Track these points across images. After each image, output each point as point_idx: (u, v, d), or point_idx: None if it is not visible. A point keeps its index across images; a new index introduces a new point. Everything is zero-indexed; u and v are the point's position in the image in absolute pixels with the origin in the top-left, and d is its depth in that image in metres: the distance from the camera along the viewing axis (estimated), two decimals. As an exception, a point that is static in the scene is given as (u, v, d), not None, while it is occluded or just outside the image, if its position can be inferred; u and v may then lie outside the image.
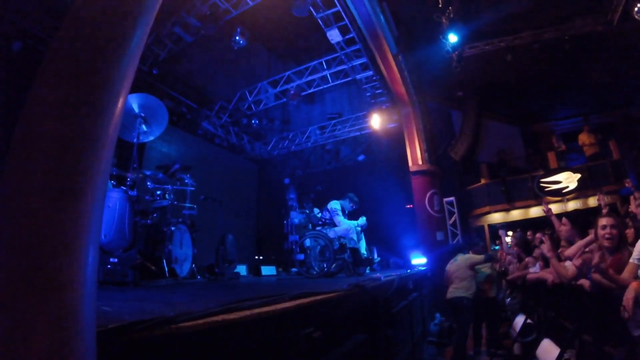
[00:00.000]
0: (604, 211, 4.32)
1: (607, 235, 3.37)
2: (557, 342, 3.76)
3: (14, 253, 0.88)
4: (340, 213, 7.10)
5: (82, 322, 0.92)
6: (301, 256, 6.86)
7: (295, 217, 8.61)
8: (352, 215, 7.43)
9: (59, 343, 0.87)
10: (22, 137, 0.96)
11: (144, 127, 5.15)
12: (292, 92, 11.56)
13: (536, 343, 4.21)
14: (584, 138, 11.88)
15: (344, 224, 7.01)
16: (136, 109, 5.06)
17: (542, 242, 4.70)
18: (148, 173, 5.23)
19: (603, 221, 3.45)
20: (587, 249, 3.97)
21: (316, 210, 7.54)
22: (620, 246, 3.36)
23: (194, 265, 5.46)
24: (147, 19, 1.23)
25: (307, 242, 6.81)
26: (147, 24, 1.23)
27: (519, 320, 5.56)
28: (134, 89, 5.10)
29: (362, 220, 7.20)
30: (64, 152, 0.98)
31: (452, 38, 9.21)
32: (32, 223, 0.91)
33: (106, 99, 1.08)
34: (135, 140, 5.03)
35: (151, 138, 5.52)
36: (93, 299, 0.98)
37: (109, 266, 3.90)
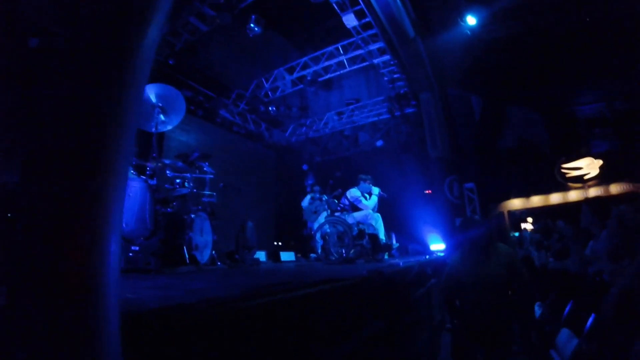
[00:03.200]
0: None
1: None
2: (576, 332, 3.72)
3: (33, 246, 0.90)
4: (362, 199, 7.11)
5: (106, 314, 0.94)
6: (320, 242, 6.90)
7: (306, 200, 8.71)
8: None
9: (83, 336, 0.89)
10: (38, 129, 0.97)
11: (162, 116, 5.18)
12: (309, 78, 11.49)
13: (555, 332, 4.17)
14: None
15: (370, 205, 7.05)
16: (154, 99, 5.09)
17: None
18: (167, 162, 5.28)
19: None
20: None
21: (324, 198, 7.57)
22: None
23: (214, 252, 5.53)
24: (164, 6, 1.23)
25: (326, 228, 6.84)
26: (164, 14, 1.23)
27: (538, 308, 5.51)
28: (150, 80, 5.16)
29: (377, 190, 7.25)
30: (82, 140, 1.00)
31: (471, 20, 9.01)
32: (52, 214, 0.93)
33: (125, 87, 1.09)
34: (153, 130, 5.08)
35: (169, 127, 5.56)
36: (116, 288, 1.00)
37: (130, 254, 3.98)
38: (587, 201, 5.08)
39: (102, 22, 1.06)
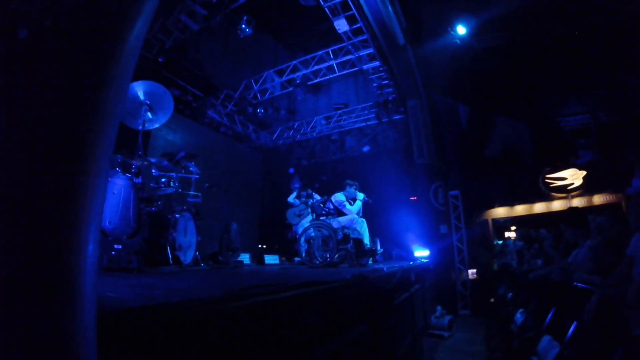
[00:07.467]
0: None
1: None
2: (557, 339, 3.76)
3: (5, 246, 0.88)
4: (346, 204, 7.13)
5: (82, 316, 0.92)
6: (305, 246, 6.89)
7: (292, 196, 8.74)
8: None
9: (58, 337, 0.88)
10: (13, 123, 0.95)
11: (149, 114, 5.14)
12: (298, 81, 11.50)
13: (536, 339, 4.21)
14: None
15: (354, 210, 7.07)
16: (141, 97, 5.05)
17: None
18: (153, 160, 5.24)
19: None
20: None
21: (317, 197, 7.58)
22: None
23: (197, 253, 5.48)
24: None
25: (311, 232, 6.83)
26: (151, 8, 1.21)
27: (520, 316, 5.57)
28: (139, 77, 5.13)
29: (362, 196, 7.29)
30: (60, 135, 0.97)
31: (461, 30, 9.13)
32: (26, 212, 0.90)
33: (107, 82, 1.07)
34: (140, 127, 5.03)
35: (156, 125, 5.52)
36: (93, 289, 0.98)
37: (113, 252, 3.93)
38: (566, 217, 5.16)
39: (85, 10, 1.04)
